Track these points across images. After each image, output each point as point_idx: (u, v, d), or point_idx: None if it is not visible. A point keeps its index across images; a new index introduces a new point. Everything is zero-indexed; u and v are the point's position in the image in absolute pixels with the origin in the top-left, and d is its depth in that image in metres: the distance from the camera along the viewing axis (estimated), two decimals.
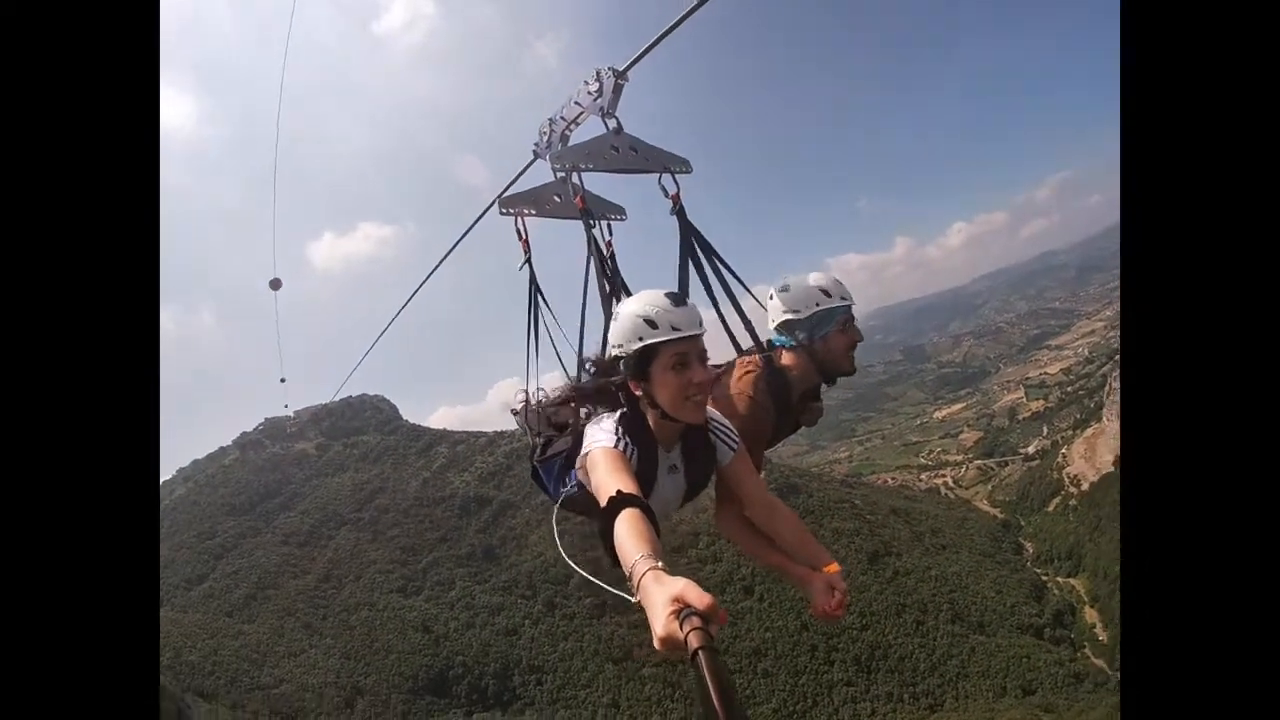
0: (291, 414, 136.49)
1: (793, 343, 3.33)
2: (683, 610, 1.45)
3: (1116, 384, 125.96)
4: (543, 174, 4.03)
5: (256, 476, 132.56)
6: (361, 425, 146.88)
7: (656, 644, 1.47)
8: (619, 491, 2.10)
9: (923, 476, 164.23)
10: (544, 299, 4.03)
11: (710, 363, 3.00)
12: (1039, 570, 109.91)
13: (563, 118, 3.91)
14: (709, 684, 1.27)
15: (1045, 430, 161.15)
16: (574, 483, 2.90)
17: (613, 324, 2.65)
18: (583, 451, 2.56)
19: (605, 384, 2.75)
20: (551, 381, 3.58)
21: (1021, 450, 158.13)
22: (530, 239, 4.17)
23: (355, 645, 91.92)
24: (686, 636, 1.39)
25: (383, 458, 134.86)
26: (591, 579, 2.10)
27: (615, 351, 2.62)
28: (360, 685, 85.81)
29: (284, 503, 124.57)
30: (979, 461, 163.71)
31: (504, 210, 4.05)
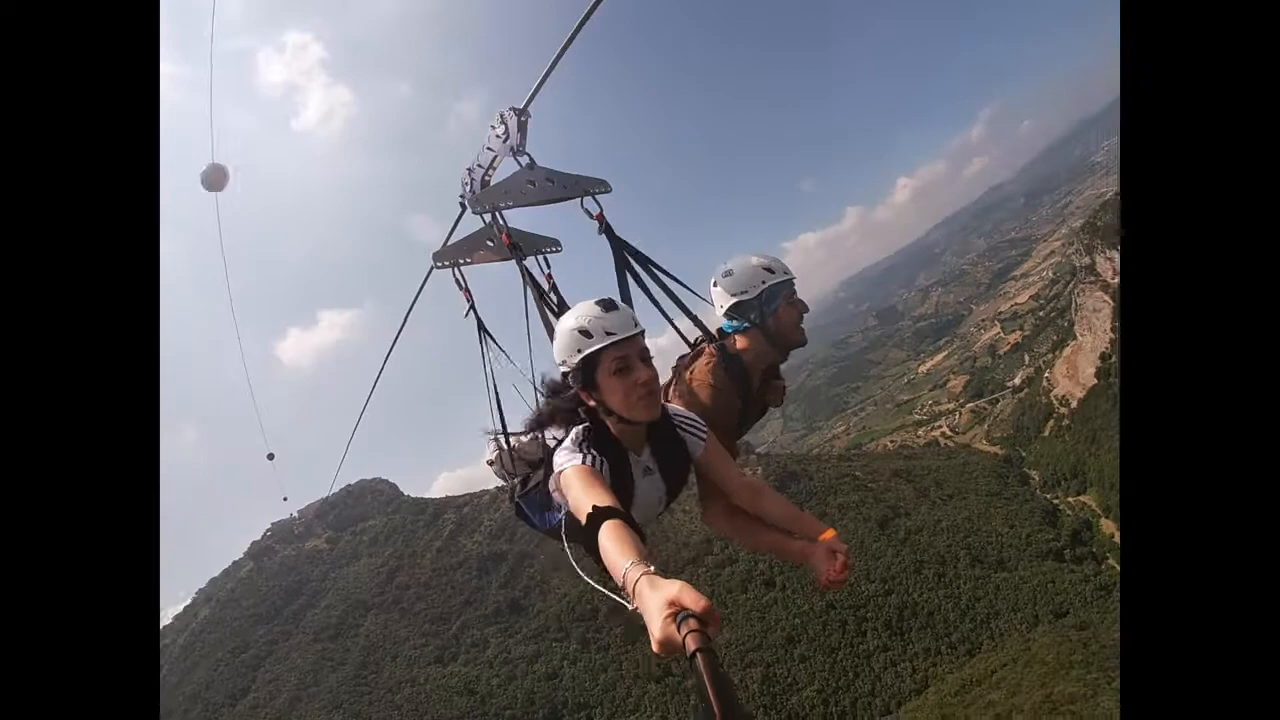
0: (295, 514, 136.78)
1: (745, 325, 3.42)
2: (679, 613, 1.46)
3: (1081, 300, 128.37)
4: (478, 223, 4.06)
5: (275, 581, 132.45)
6: (365, 511, 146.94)
7: (655, 647, 1.49)
8: (595, 506, 2.13)
9: (919, 432, 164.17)
10: (495, 342, 3.93)
11: (676, 359, 3.36)
12: (1048, 495, 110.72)
13: (479, 165, 4.03)
14: (707, 684, 1.30)
15: (1026, 359, 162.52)
16: (559, 509, 2.88)
17: (554, 343, 2.70)
18: (555, 476, 2.59)
19: (563, 404, 2.78)
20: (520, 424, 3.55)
21: (1009, 384, 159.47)
22: (472, 286, 4.15)
23: None
24: (684, 639, 1.40)
25: (393, 537, 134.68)
26: (605, 591, 2.01)
27: (562, 369, 2.69)
28: None
29: (307, 601, 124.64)
30: (970, 404, 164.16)
31: (438, 264, 4.07)
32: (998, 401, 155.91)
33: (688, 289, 3.70)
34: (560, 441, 2.73)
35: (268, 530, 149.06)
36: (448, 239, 4.18)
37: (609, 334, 2.55)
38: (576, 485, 2.38)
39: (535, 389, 3.24)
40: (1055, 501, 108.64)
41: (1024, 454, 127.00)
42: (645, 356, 2.63)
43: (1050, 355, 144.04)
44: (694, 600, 1.48)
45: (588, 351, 2.56)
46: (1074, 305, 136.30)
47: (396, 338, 5.84)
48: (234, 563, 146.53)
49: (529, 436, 3.36)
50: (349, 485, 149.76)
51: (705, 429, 2.98)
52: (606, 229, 3.81)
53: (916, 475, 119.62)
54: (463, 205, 4.14)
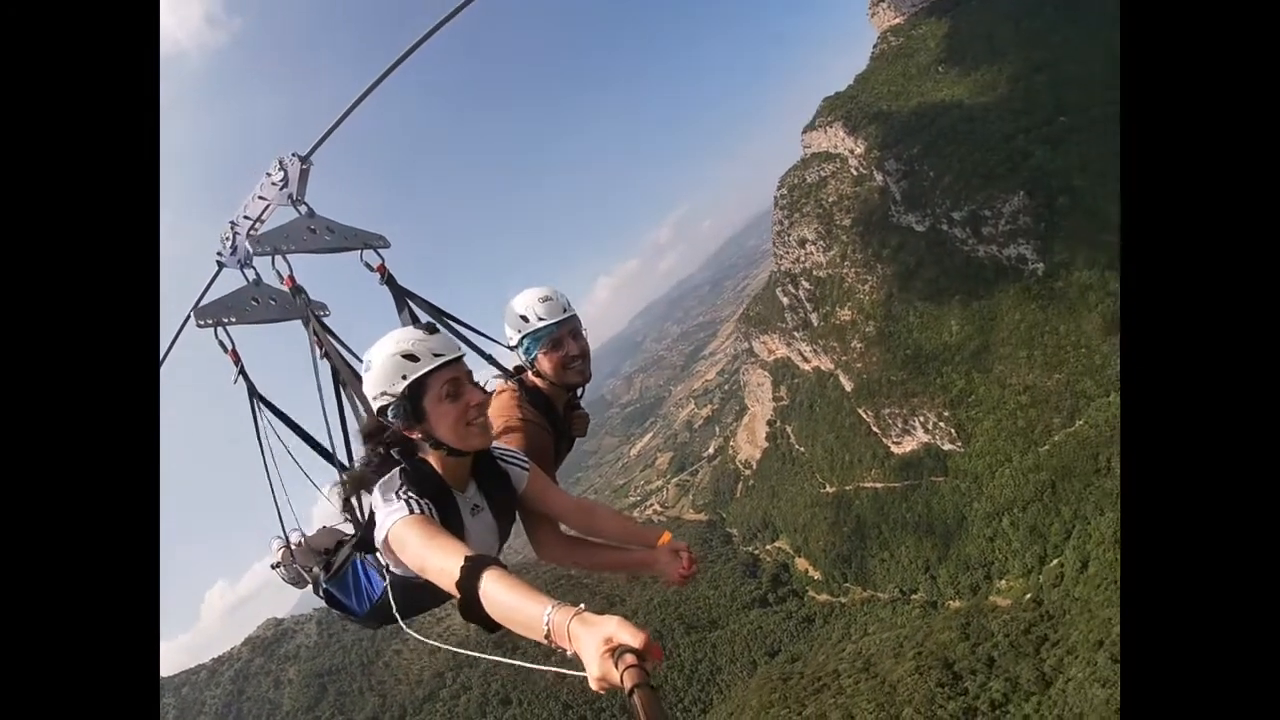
0: None
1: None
2: (617, 649, 1.44)
3: (747, 378, 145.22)
4: (233, 284, 3.69)
5: None
6: None
7: (593, 685, 1.46)
8: (468, 557, 1.89)
9: (635, 513, 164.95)
10: (271, 407, 3.56)
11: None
12: (748, 549, 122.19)
13: (246, 217, 3.67)
14: None
15: (717, 430, 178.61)
16: (379, 582, 2.67)
17: (367, 376, 2.37)
18: (380, 538, 2.24)
19: (384, 446, 2.44)
20: (308, 509, 3.13)
21: (704, 455, 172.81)
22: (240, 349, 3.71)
23: None
24: (621, 675, 1.39)
25: None
26: (512, 662, 1.96)
27: (381, 401, 2.35)
28: None
29: None
30: (675, 479, 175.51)
31: (201, 322, 3.60)
32: (697, 472, 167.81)
33: (480, 334, 3.60)
34: (374, 496, 2.41)
35: None
36: (200, 299, 3.75)
37: (437, 355, 2.34)
38: (416, 539, 2.10)
39: (334, 462, 3.08)
40: (755, 552, 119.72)
41: (724, 515, 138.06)
42: (472, 379, 2.45)
43: (733, 425, 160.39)
44: (632, 635, 1.45)
45: (414, 376, 2.30)
46: (742, 383, 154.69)
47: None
48: None
49: (319, 527, 3.24)
50: None
51: (527, 459, 2.81)
52: (389, 279, 3.61)
53: None
54: (220, 263, 3.75)
